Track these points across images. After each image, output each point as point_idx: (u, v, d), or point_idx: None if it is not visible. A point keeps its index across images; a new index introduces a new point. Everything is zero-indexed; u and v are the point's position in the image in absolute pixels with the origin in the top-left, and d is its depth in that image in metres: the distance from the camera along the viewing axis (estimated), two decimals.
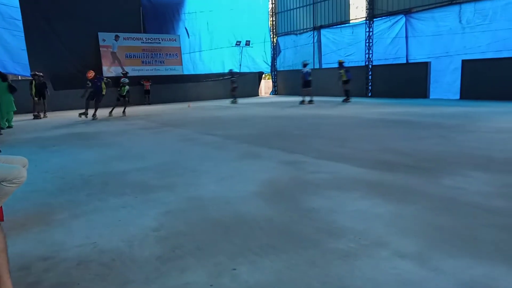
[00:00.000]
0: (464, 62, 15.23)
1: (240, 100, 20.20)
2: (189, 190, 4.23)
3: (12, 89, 11.54)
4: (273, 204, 3.67)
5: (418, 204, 3.50)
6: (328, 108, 13.92)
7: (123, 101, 14.48)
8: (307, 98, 16.23)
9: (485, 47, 15.03)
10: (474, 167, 4.74)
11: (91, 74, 13.05)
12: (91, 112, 13.17)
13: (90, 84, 12.92)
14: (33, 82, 14.21)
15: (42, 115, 14.39)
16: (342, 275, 2.31)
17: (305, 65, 15.99)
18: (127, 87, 14.47)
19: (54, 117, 14.62)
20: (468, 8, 15.40)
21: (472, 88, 14.97)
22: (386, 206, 3.48)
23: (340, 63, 16.59)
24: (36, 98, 14.27)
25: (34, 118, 14.05)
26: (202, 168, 5.26)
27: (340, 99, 17.09)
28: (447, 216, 3.18)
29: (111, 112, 14.27)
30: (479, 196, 3.65)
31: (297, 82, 22.87)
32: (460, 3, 15.62)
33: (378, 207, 3.46)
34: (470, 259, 2.44)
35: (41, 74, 14.55)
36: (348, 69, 16.47)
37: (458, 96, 15.57)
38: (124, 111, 14.33)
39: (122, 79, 14.75)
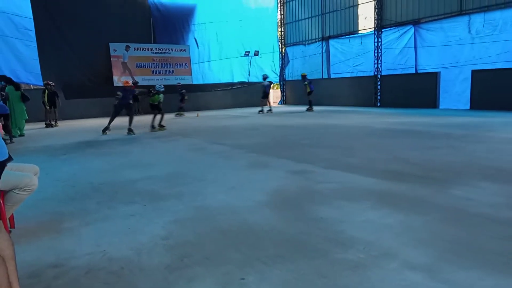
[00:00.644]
0: (473, 72, 15.14)
1: (249, 110, 20.30)
2: (197, 199, 4.24)
3: (24, 98, 11.73)
4: (281, 213, 3.67)
5: (428, 214, 3.47)
6: (337, 118, 13.90)
7: (157, 112, 12.08)
8: (266, 108, 17.86)
9: (495, 57, 14.94)
10: (484, 177, 4.70)
11: (128, 83, 11.97)
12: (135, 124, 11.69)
13: (120, 95, 11.30)
14: (46, 91, 14.44)
15: (54, 123, 14.61)
16: (351, 286, 2.29)
17: (264, 78, 17.92)
18: (161, 95, 12.22)
19: (65, 126, 14.79)
20: (477, 18, 15.34)
21: (482, 98, 14.86)
22: (395, 216, 3.45)
23: (303, 76, 18.39)
24: (48, 107, 14.50)
25: (46, 127, 14.24)
26: (210, 177, 5.27)
27: (352, 108, 17.12)
28: (457, 227, 3.15)
29: (152, 125, 11.89)
30: (489, 207, 3.61)
31: (305, 92, 23.00)
32: (469, 13, 15.58)
33: (387, 217, 3.44)
34: (480, 271, 2.41)
35: (52, 83, 14.81)
36: (311, 81, 18.33)
37: (468, 106, 15.46)
38: (160, 123, 11.95)
39: (157, 86, 12.48)
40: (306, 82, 17.97)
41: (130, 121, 11.33)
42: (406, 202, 3.87)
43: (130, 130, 11.10)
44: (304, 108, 18.61)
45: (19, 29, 16.66)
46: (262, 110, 17.71)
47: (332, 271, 2.49)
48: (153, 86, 12.89)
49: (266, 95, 17.72)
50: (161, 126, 11.86)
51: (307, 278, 2.41)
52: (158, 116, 12.06)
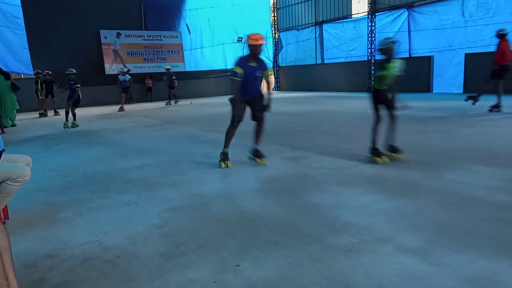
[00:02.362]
0: (467, 55, 15.13)
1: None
2: (192, 187, 4.24)
3: (15, 87, 11.58)
4: (276, 200, 3.68)
5: (421, 199, 3.50)
6: (331, 104, 13.89)
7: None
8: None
9: (488, 40, 14.89)
10: (477, 161, 4.73)
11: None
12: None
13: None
14: (38, 81, 14.28)
15: (53, 113, 14.53)
16: (345, 270, 2.32)
17: (123, 74, 16.15)
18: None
19: (56, 115, 14.66)
20: (471, 1, 15.27)
21: (475, 82, 14.84)
22: (389, 201, 3.48)
23: (168, 69, 17.24)
24: (42, 97, 14.38)
25: (40, 117, 14.10)
26: (205, 165, 5.27)
27: (346, 94, 17.10)
28: (450, 211, 3.18)
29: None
30: (482, 190, 3.65)
31: (299, 78, 22.91)
32: None
33: (381, 202, 3.46)
34: (473, 253, 2.45)
35: (50, 73, 14.63)
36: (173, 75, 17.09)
37: (461, 90, 15.48)
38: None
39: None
40: (174, 77, 16.80)
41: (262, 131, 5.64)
42: (400, 186, 3.90)
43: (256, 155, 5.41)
44: (301, 94, 18.48)
45: (7, 17, 16.38)
46: (122, 107, 15.39)
47: (327, 256, 2.51)
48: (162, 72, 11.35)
49: (125, 90, 15.84)
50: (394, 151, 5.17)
51: (302, 264, 2.42)
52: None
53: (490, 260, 2.35)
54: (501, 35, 9.46)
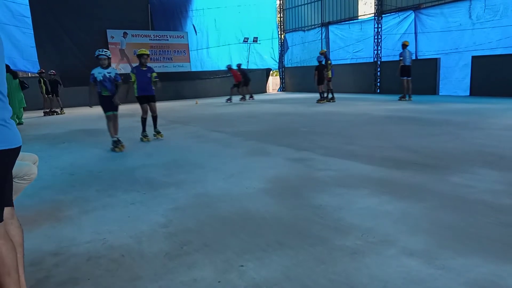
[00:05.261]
0: (474, 58, 15.03)
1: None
2: (197, 187, 4.25)
3: (23, 86, 11.68)
4: (281, 201, 3.68)
5: (427, 201, 3.48)
6: (336, 105, 13.86)
7: None
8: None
9: (495, 43, 14.82)
10: (483, 164, 4.70)
11: None
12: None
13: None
14: (41, 80, 14.38)
15: (59, 111, 14.60)
16: (349, 272, 2.32)
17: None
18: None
19: (64, 114, 14.74)
20: (478, 3, 15.18)
21: (482, 85, 14.78)
22: (394, 203, 3.47)
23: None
24: (47, 95, 14.47)
25: (44, 115, 14.18)
26: (210, 165, 5.28)
27: (351, 95, 17.09)
28: (456, 214, 3.17)
29: None
30: (488, 194, 3.62)
31: (304, 79, 22.85)
32: None
33: (386, 204, 3.45)
34: (478, 257, 2.43)
35: (54, 72, 14.72)
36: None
37: (468, 93, 15.40)
38: None
39: None
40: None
41: None
42: (405, 189, 3.89)
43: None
44: (306, 96, 18.47)
45: (15, 16, 16.50)
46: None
47: (331, 257, 2.51)
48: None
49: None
50: None
51: (306, 265, 2.42)
52: None
53: (495, 264, 2.34)
54: (238, 66, 18.20)
